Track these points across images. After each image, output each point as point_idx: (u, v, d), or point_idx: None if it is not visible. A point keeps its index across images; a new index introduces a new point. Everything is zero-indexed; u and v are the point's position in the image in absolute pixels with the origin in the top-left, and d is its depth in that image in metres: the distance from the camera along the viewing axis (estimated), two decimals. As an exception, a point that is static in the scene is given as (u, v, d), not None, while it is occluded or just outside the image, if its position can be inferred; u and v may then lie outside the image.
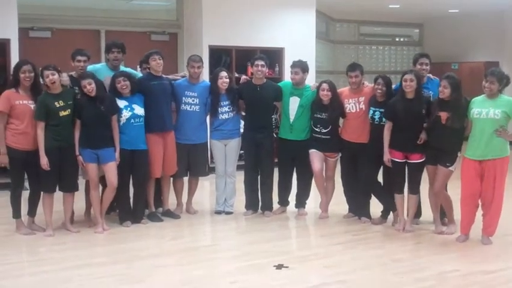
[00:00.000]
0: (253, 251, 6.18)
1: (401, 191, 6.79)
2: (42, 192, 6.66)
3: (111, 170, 6.69)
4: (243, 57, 10.40)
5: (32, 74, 6.48)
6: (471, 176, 6.28)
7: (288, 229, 7.27)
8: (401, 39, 17.63)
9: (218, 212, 7.55)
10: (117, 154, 6.74)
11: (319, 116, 7.09)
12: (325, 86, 7.05)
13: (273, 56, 11.31)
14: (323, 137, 7.08)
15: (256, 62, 7.44)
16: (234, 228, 7.09)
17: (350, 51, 16.16)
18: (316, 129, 7.11)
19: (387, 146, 6.62)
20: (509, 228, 6.90)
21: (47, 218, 6.66)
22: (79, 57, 7.01)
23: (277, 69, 11.37)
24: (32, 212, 6.81)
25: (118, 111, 6.75)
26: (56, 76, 6.46)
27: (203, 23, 10.71)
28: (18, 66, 6.54)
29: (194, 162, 7.46)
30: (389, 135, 6.61)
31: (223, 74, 7.28)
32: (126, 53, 7.41)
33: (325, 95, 7.01)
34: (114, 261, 5.83)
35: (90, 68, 7.08)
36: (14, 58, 8.98)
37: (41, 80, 6.56)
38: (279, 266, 5.63)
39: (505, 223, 6.58)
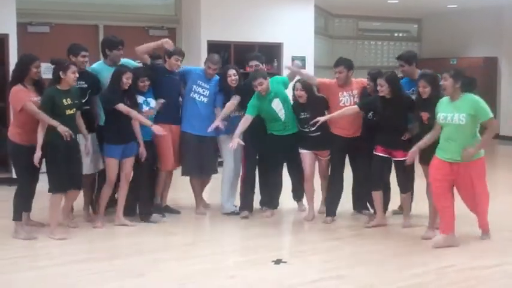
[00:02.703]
0: (252, 246, 6.22)
1: (378, 188, 6.80)
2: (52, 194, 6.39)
3: (131, 163, 6.73)
4: (242, 52, 10.41)
5: (41, 69, 6.48)
6: (441, 175, 6.11)
7: (286, 224, 7.30)
8: (400, 35, 17.68)
9: (232, 213, 7.38)
10: (142, 148, 6.74)
11: (303, 116, 6.97)
12: (297, 85, 6.95)
13: (271, 51, 11.36)
14: (313, 134, 6.95)
15: (250, 63, 7.41)
16: (232, 223, 7.11)
17: (349, 46, 16.18)
18: (305, 130, 6.98)
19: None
20: (505, 223, 6.95)
21: (56, 222, 6.47)
22: (83, 53, 7.01)
23: (275, 64, 11.39)
24: (27, 207, 6.64)
25: (138, 105, 6.81)
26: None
27: (201, 18, 10.74)
28: (30, 60, 6.40)
29: (206, 159, 7.38)
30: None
31: (232, 71, 7.23)
32: (124, 48, 7.40)
33: (300, 95, 6.92)
34: (113, 256, 5.87)
35: (90, 69, 7.11)
36: (13, 53, 9.02)
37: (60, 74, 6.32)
38: (278, 261, 5.66)
39: (501, 219, 6.63)
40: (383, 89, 6.45)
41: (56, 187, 6.31)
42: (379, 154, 6.67)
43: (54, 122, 6.12)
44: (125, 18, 10.85)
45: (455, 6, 14.75)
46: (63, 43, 10.06)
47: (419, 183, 6.89)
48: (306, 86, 6.95)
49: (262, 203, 7.52)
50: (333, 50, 15.56)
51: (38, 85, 6.50)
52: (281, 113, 7.02)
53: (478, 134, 6.09)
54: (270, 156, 7.22)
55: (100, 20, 10.63)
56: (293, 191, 7.57)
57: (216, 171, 7.66)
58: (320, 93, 7.13)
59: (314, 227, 7.07)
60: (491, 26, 15.05)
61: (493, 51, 15.16)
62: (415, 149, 6.31)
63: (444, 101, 6.10)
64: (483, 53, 15.32)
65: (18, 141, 6.33)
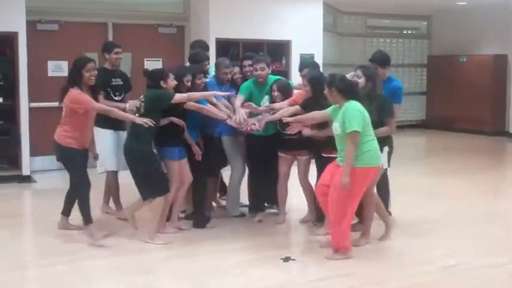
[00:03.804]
0: (261, 244, 6.21)
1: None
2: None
3: (187, 165, 6.51)
4: (250, 49, 10.39)
5: (96, 72, 6.23)
6: (331, 167, 5.85)
7: (294, 222, 7.30)
8: (409, 32, 17.60)
9: (241, 215, 7.26)
10: (195, 147, 6.54)
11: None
12: (274, 86, 6.74)
13: (280, 49, 11.36)
14: (291, 137, 6.57)
15: (243, 63, 7.21)
16: (240, 221, 7.11)
17: (357, 43, 16.13)
18: (284, 132, 6.58)
19: None
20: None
21: (156, 227, 6.31)
22: (117, 50, 7.03)
23: (284, 61, 11.39)
24: (69, 211, 6.54)
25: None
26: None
27: (210, 16, 10.72)
28: (82, 64, 6.14)
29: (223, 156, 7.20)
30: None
31: (236, 69, 7.18)
32: (134, 46, 7.39)
33: (275, 96, 6.70)
34: (121, 253, 5.88)
35: None
36: (22, 51, 9.06)
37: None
38: (286, 259, 5.67)
39: (509, 216, 6.59)
40: (360, 80, 6.17)
41: (161, 189, 6.15)
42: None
43: (132, 116, 6.08)
44: (134, 16, 10.85)
45: (464, 3, 14.69)
46: (72, 41, 10.22)
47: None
48: (282, 87, 6.72)
49: (250, 208, 7.31)
50: (341, 47, 15.53)
51: (93, 90, 6.25)
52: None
53: (372, 144, 5.64)
54: (252, 157, 7.08)
55: (109, 18, 10.63)
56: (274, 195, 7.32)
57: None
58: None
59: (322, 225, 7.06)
60: (501, 23, 14.97)
61: (502, 48, 15.08)
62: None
63: (332, 109, 5.82)
64: (493, 50, 15.25)
65: (76, 146, 6.14)
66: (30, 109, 9.40)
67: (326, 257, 5.72)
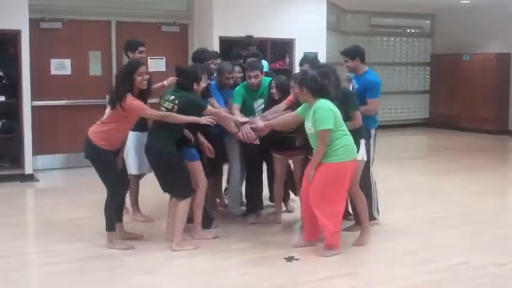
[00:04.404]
0: (264, 243, 6.19)
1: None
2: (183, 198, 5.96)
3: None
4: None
5: (148, 76, 5.93)
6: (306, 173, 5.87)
7: (297, 221, 7.27)
8: (413, 31, 17.57)
9: (243, 214, 7.18)
10: (207, 144, 6.44)
11: None
12: (272, 83, 6.59)
13: (283, 47, 11.35)
14: (289, 135, 6.50)
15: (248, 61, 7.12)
16: (243, 220, 7.07)
17: (361, 42, 16.06)
18: (281, 131, 6.46)
19: None
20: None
21: (182, 231, 6.04)
22: (141, 48, 6.97)
23: (287, 60, 11.37)
24: (120, 216, 6.23)
25: None
26: None
27: (214, 14, 10.70)
28: (134, 67, 5.81)
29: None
30: None
31: (237, 68, 7.03)
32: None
33: (274, 93, 6.55)
34: (124, 253, 5.85)
35: None
36: (25, 49, 9.05)
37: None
38: (290, 258, 5.66)
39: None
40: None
41: (188, 190, 5.96)
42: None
43: (195, 118, 5.87)
44: (137, 14, 10.83)
45: (468, 1, 14.64)
46: (75, 39, 10.22)
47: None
48: (281, 85, 6.58)
49: (246, 209, 7.22)
50: (345, 46, 15.37)
51: (142, 95, 5.90)
52: (257, 110, 6.81)
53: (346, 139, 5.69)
54: (247, 157, 6.98)
55: (112, 16, 10.62)
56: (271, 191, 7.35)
57: None
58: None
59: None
60: (505, 22, 14.92)
61: (506, 47, 15.04)
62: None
63: (306, 106, 5.80)
64: (496, 48, 15.20)
65: (108, 147, 5.80)
66: (33, 107, 9.39)
67: (318, 254, 5.74)
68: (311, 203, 5.72)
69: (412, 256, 5.84)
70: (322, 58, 11.22)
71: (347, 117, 5.96)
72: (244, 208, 7.28)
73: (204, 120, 5.88)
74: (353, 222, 6.57)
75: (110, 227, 5.93)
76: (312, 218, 5.82)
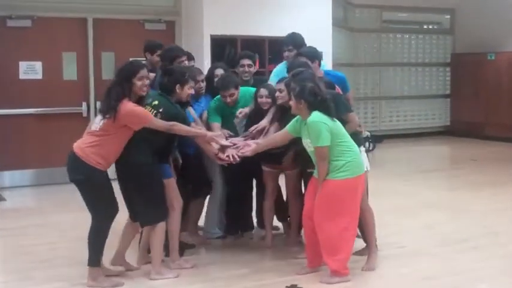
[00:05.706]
0: (263, 270, 6.17)
1: None
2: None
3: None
4: (250, 48, 10.36)
5: (149, 81, 5.79)
6: (310, 193, 5.93)
7: (300, 245, 7.21)
8: (430, 27, 17.63)
9: (218, 237, 7.23)
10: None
11: None
12: (263, 92, 6.52)
13: (283, 47, 11.30)
14: (279, 150, 6.41)
15: (242, 62, 7.22)
16: (240, 244, 7.03)
17: (371, 40, 16.16)
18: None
19: None
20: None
21: (160, 258, 5.94)
22: (160, 51, 6.96)
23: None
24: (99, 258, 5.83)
25: None
26: None
27: (204, 10, 10.70)
28: (134, 70, 5.62)
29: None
30: None
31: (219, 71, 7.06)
32: (118, 44, 7.32)
33: (264, 103, 6.49)
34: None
35: None
36: (-9, 50, 9.03)
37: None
38: (292, 287, 5.63)
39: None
40: (282, 95, 6.21)
41: (164, 214, 5.83)
42: None
43: (202, 131, 6.02)
44: (118, 10, 10.83)
45: (492, -7, 14.72)
46: (47, 39, 10.19)
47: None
48: (272, 93, 6.47)
49: (225, 230, 7.26)
50: (354, 44, 15.53)
51: (141, 101, 5.72)
52: (239, 126, 6.82)
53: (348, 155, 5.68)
54: (228, 176, 6.99)
55: (89, 12, 10.61)
56: (257, 213, 7.36)
57: None
58: None
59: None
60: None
61: (536, 44, 15.12)
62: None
63: (298, 121, 5.83)
64: (525, 46, 15.28)
65: (103, 168, 5.52)
66: (-1, 117, 9.37)
67: (322, 281, 5.71)
68: (316, 224, 5.67)
69: (435, 282, 5.80)
70: (328, 58, 11.19)
71: (341, 122, 5.93)
72: (219, 232, 7.26)
73: (209, 136, 5.96)
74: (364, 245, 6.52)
75: (93, 262, 5.62)
76: (316, 242, 5.78)
